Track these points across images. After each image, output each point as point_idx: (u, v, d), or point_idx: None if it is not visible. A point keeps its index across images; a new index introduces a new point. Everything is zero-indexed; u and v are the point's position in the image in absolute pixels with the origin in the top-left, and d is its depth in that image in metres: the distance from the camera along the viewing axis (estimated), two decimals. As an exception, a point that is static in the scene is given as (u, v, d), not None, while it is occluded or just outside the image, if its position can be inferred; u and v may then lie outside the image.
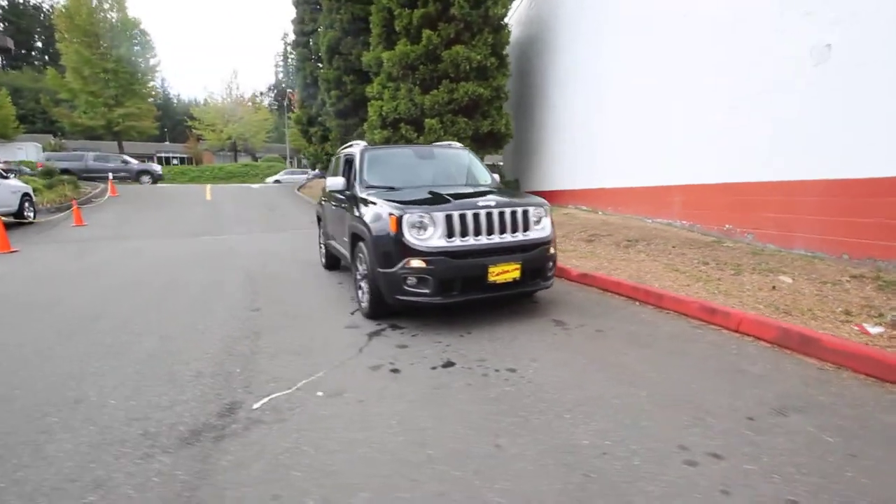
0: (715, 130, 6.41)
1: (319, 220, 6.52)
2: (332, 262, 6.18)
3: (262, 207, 15.69)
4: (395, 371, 2.91)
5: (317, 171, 20.05)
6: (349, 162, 5.30)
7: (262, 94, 56.08)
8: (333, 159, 6.32)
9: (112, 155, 26.21)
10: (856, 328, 3.25)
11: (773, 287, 4.30)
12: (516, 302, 4.37)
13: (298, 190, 22.11)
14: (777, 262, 5.03)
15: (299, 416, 2.36)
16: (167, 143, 49.28)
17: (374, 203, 3.93)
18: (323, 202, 6.06)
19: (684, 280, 4.75)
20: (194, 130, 41.34)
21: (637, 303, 4.34)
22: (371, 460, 1.99)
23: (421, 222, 3.51)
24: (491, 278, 3.58)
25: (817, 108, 4.98)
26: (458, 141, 11.28)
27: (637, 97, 8.27)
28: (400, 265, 3.51)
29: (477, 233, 3.60)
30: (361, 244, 3.98)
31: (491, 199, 3.74)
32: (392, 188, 4.39)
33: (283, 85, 66.07)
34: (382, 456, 2.02)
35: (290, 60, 68.78)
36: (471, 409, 2.41)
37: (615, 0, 9.21)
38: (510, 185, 14.14)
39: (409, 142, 11.79)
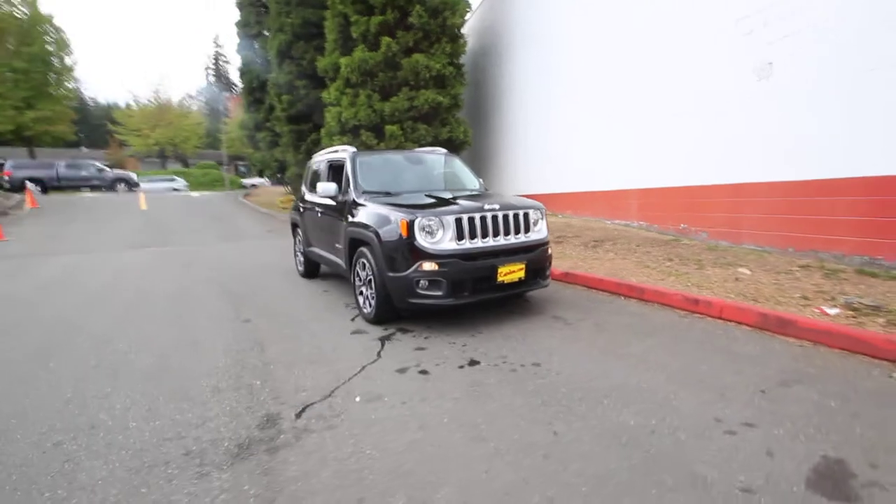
0: (669, 139, 6.99)
1: (295, 227, 6.34)
2: (312, 270, 6.04)
3: (208, 217, 14.86)
4: (423, 373, 2.94)
5: (264, 178, 19.24)
6: (336, 168, 5.25)
7: (192, 97, 52.87)
8: (310, 165, 6.19)
9: (84, 162, 25.64)
10: (816, 311, 3.71)
11: (737, 279, 4.78)
12: (511, 301, 4.52)
13: (243, 198, 21.14)
14: (733, 257, 5.58)
15: (348, 423, 2.33)
16: (83, 149, 45.08)
17: (378, 208, 3.93)
18: (302, 209, 5.91)
19: (656, 275, 5.14)
20: (116, 136, 38.22)
21: (622, 297, 4.65)
22: (440, 457, 2.02)
23: (431, 226, 3.57)
24: (499, 279, 3.71)
25: (761, 119, 5.61)
26: (414, 147, 11.40)
27: (590, 108, 8.81)
28: (412, 269, 3.54)
29: (484, 235, 3.72)
30: (364, 249, 3.95)
31: (495, 203, 3.87)
32: (388, 193, 4.41)
33: (217, 88, 62.92)
34: (449, 452, 2.06)
35: (221, 64, 65.71)
36: (515, 402, 2.50)
37: (565, 14, 9.77)
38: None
39: (369, 148, 11.73)
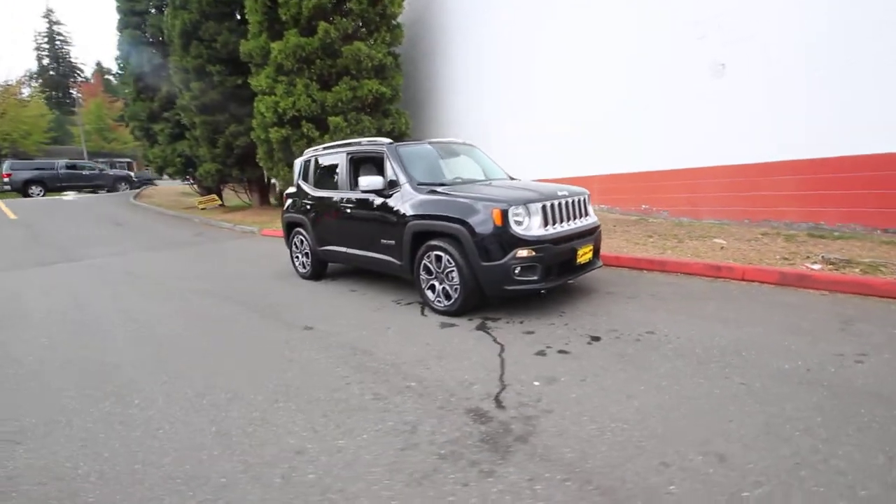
0: (630, 130, 7.82)
1: (294, 227, 5.86)
2: (319, 271, 5.67)
3: (105, 223, 12.72)
4: (562, 352, 3.07)
5: (164, 175, 16.87)
6: (362, 160, 5.01)
7: (27, 84, 43.64)
8: (310, 161, 5.75)
9: (84, 162, 24.89)
10: (804, 267, 4.61)
11: (722, 247, 5.64)
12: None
13: (136, 199, 18.33)
14: (701, 231, 6.53)
15: (557, 404, 2.39)
16: None
17: (453, 199, 3.89)
18: (308, 207, 5.48)
19: (653, 249, 5.82)
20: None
21: (643, 271, 5.21)
22: (678, 416, 2.21)
23: (521, 213, 3.67)
24: (578, 260, 3.95)
25: (716, 111, 6.62)
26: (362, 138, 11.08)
27: (550, 103, 9.42)
28: (508, 257, 3.60)
29: (563, 220, 3.92)
30: (440, 242, 3.88)
31: (563, 189, 4.09)
32: (443, 184, 4.36)
33: (54, 73, 52.78)
34: (681, 410, 2.25)
35: (58, 43, 54.98)
36: (676, 364, 2.76)
37: (505, 7, 10.21)
38: None
39: (311, 141, 11.08)
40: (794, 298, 3.89)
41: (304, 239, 5.68)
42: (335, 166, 5.23)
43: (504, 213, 3.60)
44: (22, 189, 20.60)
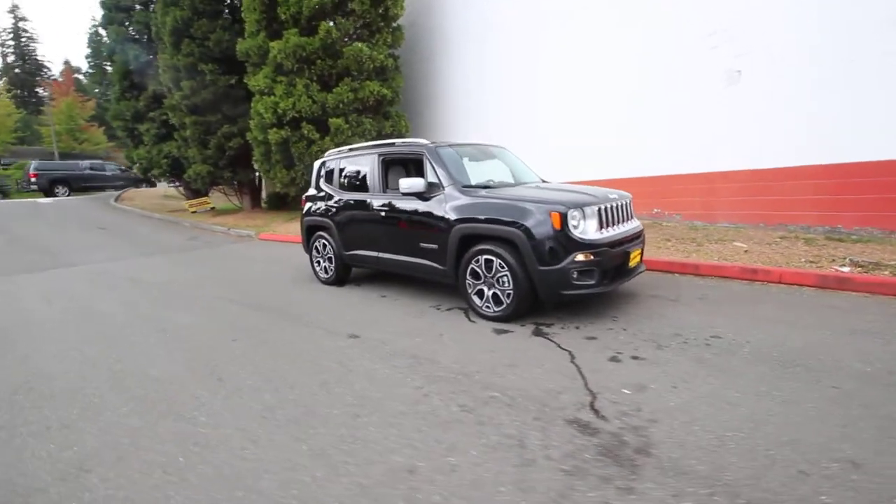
0: (638, 135, 7.89)
1: (315, 230, 5.66)
2: (343, 277, 5.49)
3: (91, 227, 12.12)
4: (637, 358, 3.00)
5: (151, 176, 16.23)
6: (394, 162, 4.89)
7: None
8: (324, 164, 5.59)
9: (106, 163, 25.78)
10: (833, 269, 4.69)
11: (746, 251, 5.72)
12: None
13: (117, 202, 17.58)
14: (719, 234, 6.62)
15: (664, 414, 2.30)
16: None
17: (506, 202, 3.80)
18: (334, 210, 5.29)
19: (677, 253, 5.86)
20: None
21: (676, 274, 5.22)
22: (805, 422, 2.15)
23: (578, 216, 3.60)
24: (630, 264, 3.91)
25: (731, 117, 6.73)
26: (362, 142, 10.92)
27: (548, 105, 9.44)
28: (567, 260, 3.53)
29: (615, 223, 3.88)
30: (491, 246, 3.78)
31: (613, 193, 4.06)
32: (487, 186, 4.27)
33: (19, 71, 50.53)
34: (805, 418, 2.19)
35: (24, 40, 52.59)
36: (759, 370, 2.73)
37: (506, 12, 10.22)
38: None
39: (311, 143, 10.85)
40: (840, 301, 3.94)
41: (327, 243, 5.49)
42: (364, 168, 5.07)
43: (563, 216, 3.53)
44: (48, 189, 21.36)
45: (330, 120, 10.77)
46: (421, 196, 4.33)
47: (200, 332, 3.98)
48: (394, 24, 11.71)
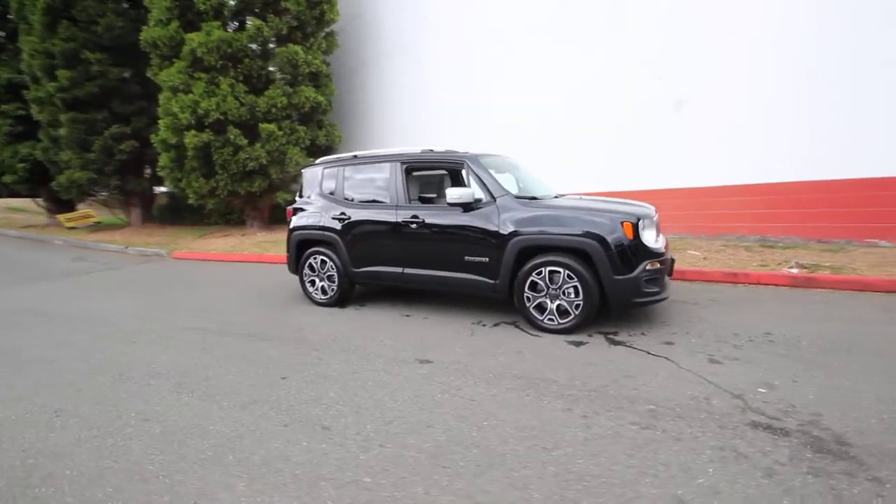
0: (579, 155, 8.56)
1: (309, 246, 5.00)
2: (348, 296, 4.93)
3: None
4: (735, 359, 3.13)
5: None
6: (441, 171, 4.66)
7: None
8: (318, 172, 5.04)
9: None
10: (785, 271, 5.57)
11: (704, 258, 6.51)
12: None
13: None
14: (672, 244, 7.43)
15: (815, 406, 2.43)
16: None
17: (575, 212, 3.77)
18: (340, 222, 4.72)
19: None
20: None
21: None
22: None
23: (644, 227, 3.73)
24: (673, 272, 4.16)
25: (678, 139, 7.67)
26: (296, 152, 10.13)
27: (504, 122, 9.77)
28: (639, 269, 3.61)
29: (659, 233, 4.10)
30: (557, 257, 3.71)
31: (649, 205, 4.28)
32: (534, 198, 4.19)
33: None
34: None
35: None
36: (867, 363, 3.08)
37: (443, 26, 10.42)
38: None
39: (238, 149, 9.68)
40: (818, 296, 4.67)
41: (327, 260, 4.87)
42: (380, 177, 4.64)
43: (635, 226, 3.62)
44: None
45: (261, 125, 9.75)
46: (467, 207, 4.09)
47: (224, 373, 3.20)
48: (328, 30, 11.11)
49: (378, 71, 12.25)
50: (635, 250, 3.62)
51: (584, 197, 4.75)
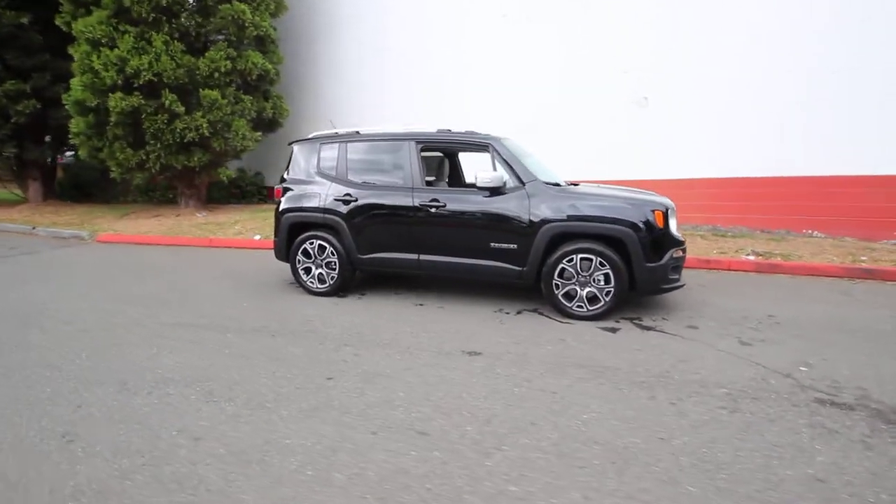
0: (564, 149, 8.75)
1: (304, 230, 4.53)
2: (349, 284, 4.57)
3: None
4: (762, 341, 3.37)
5: None
6: (453, 152, 4.38)
7: None
8: (315, 148, 4.60)
9: None
10: (744, 257, 6.17)
11: (670, 245, 6.98)
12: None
13: None
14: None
15: (857, 381, 2.69)
16: None
17: (606, 199, 3.80)
18: (345, 204, 4.31)
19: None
20: None
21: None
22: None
23: (672, 215, 3.85)
24: (682, 259, 4.37)
25: (643, 134, 8.08)
26: (243, 124, 9.23)
27: (471, 106, 9.63)
28: (667, 257, 3.73)
29: (673, 221, 4.27)
30: (590, 244, 3.71)
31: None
32: (557, 183, 4.14)
33: None
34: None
35: None
36: (844, 337, 3.44)
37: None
38: (257, 178, 12.59)
39: (174, 116, 8.55)
40: (786, 281, 5.22)
41: (326, 245, 4.45)
42: (391, 157, 4.31)
43: (665, 215, 3.74)
44: None
45: (202, 91, 8.66)
46: (494, 191, 3.94)
47: (253, 376, 2.79)
48: (278, -10, 10.09)
49: (331, 40, 11.42)
50: (664, 238, 3.74)
51: (600, 185, 4.82)
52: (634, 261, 3.69)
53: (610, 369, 2.92)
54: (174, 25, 8.45)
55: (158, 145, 8.56)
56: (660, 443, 2.11)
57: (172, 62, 8.27)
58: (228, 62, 8.88)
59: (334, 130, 4.67)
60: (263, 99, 10.10)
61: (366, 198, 4.31)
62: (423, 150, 4.29)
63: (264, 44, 9.87)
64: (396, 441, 2.10)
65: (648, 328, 3.66)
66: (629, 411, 2.40)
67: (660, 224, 3.71)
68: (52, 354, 3.10)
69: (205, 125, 8.69)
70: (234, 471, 1.89)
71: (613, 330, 3.64)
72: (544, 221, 3.82)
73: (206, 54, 8.67)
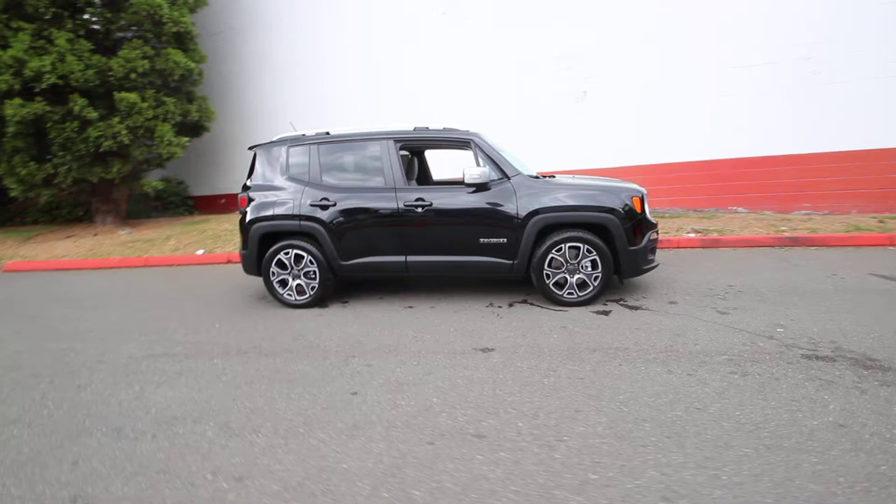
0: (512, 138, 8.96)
1: (276, 238, 4.24)
2: (327, 294, 4.37)
3: None
4: (734, 309, 3.73)
5: None
6: (417, 153, 4.26)
7: None
8: (271, 151, 4.44)
9: None
10: (685, 235, 6.76)
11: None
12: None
13: None
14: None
15: (831, 335, 3.04)
16: None
17: (586, 190, 3.95)
18: (320, 210, 4.09)
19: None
20: None
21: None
22: None
23: (645, 200, 4.10)
24: (650, 240, 4.67)
25: (581, 127, 8.50)
26: (167, 129, 8.49)
27: (416, 103, 9.55)
28: (646, 239, 3.97)
29: (642, 206, 4.55)
30: (577, 233, 3.85)
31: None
32: (535, 176, 4.24)
33: None
34: None
35: None
36: (804, 300, 3.89)
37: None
38: (181, 188, 11.79)
39: (86, 124, 7.63)
40: (731, 254, 5.79)
41: (304, 254, 4.21)
42: (370, 157, 4.16)
43: (642, 200, 3.97)
44: None
45: (119, 94, 7.79)
46: (482, 187, 3.95)
47: (270, 402, 2.57)
48: (195, -17, 9.29)
49: (260, 36, 10.75)
50: (643, 223, 3.98)
51: (575, 175, 4.99)
52: (619, 246, 3.89)
53: (621, 350, 3.06)
54: (78, 22, 7.47)
55: (69, 157, 7.55)
56: (699, 412, 2.25)
57: (80, 63, 7.32)
58: (146, 62, 8.03)
59: (301, 133, 4.40)
60: (187, 101, 9.28)
61: (345, 201, 4.13)
62: (402, 148, 4.19)
63: (184, 41, 9.05)
64: (457, 448, 2.05)
65: (635, 308, 3.89)
66: (656, 387, 2.53)
67: (638, 209, 3.95)
68: (9, 409, 2.63)
69: (123, 132, 7.81)
70: (303, 507, 1.73)
71: (606, 313, 3.81)
72: (532, 214, 3.90)
73: (120, 53, 7.77)
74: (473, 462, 1.94)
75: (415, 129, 4.22)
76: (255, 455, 2.07)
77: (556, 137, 8.69)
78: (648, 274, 4.75)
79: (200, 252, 7.27)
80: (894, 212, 6.84)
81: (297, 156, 4.28)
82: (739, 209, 7.82)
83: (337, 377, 2.87)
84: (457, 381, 2.74)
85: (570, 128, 8.63)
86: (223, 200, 12.32)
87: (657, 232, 4.20)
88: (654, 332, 3.34)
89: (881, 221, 6.40)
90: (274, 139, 4.45)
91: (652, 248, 4.12)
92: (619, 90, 8.33)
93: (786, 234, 6.10)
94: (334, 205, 4.13)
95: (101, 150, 7.77)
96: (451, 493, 1.76)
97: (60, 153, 7.49)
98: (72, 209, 10.39)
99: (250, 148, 4.56)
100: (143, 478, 1.95)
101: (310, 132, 4.39)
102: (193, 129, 9.92)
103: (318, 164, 4.23)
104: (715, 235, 6.45)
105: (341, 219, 4.13)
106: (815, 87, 7.23)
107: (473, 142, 4.07)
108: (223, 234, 8.13)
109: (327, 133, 4.33)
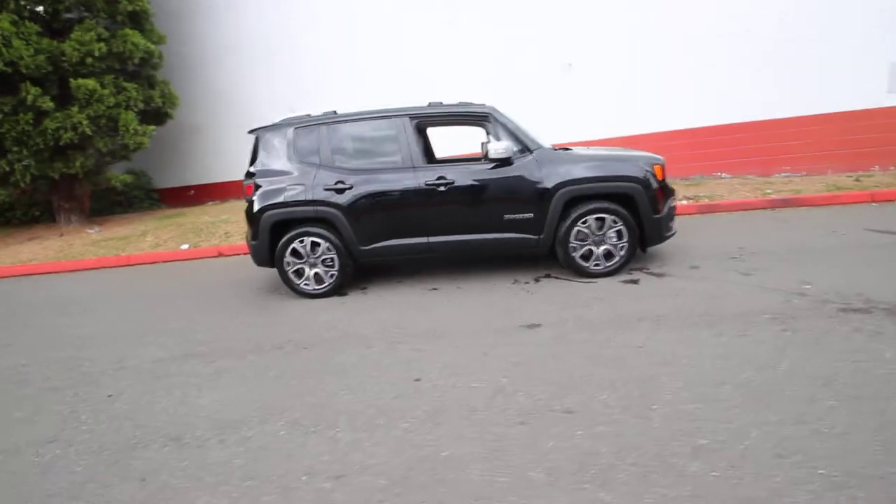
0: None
1: (289, 226, 4.02)
2: (347, 281, 4.20)
3: None
4: (756, 269, 3.83)
5: None
6: (455, 125, 4.16)
7: None
8: (276, 134, 4.19)
9: None
10: (678, 202, 6.93)
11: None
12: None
13: None
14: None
15: (858, 288, 3.17)
16: None
17: (608, 161, 3.94)
18: (335, 194, 3.89)
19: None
20: None
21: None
22: None
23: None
24: (662, 208, 4.73)
25: (567, 98, 8.48)
26: (132, 117, 7.91)
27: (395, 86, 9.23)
28: (667, 207, 4.01)
29: (654, 175, 4.58)
30: (603, 204, 3.84)
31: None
32: (553, 148, 4.18)
33: None
34: None
35: None
36: (815, 257, 4.05)
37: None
38: (143, 181, 11.17)
39: (42, 115, 6.99)
40: (730, 217, 5.97)
41: (321, 241, 4.01)
42: (384, 136, 3.97)
43: (663, 168, 3.99)
44: None
45: (76, 81, 7.14)
46: (505, 162, 3.85)
47: (331, 397, 2.45)
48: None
49: (223, 14, 10.06)
50: (664, 190, 4.01)
51: (589, 147, 4.95)
52: (643, 214, 3.90)
53: (664, 317, 3.09)
54: (21, 2, 6.72)
55: (25, 152, 6.88)
56: (772, 371, 2.30)
57: (28, 47, 6.62)
58: (102, 44, 7.36)
59: (306, 114, 4.15)
60: (148, 86, 8.62)
61: (363, 183, 3.94)
62: (418, 126, 4.02)
63: (140, 21, 8.34)
64: (553, 426, 2.01)
65: (662, 275, 3.94)
66: (718, 349, 2.57)
67: (659, 177, 3.96)
68: (41, 428, 2.39)
69: (84, 122, 7.18)
70: (421, 499, 1.65)
71: (635, 282, 3.85)
72: (559, 186, 3.85)
73: (72, 36, 7.08)
74: (576, 438, 1.91)
75: (429, 105, 4.05)
76: (344, 451, 1.96)
77: (541, 109, 8.63)
78: (662, 243, 4.86)
79: (185, 247, 6.86)
80: (867, 170, 7.24)
81: (305, 138, 4.04)
82: (723, 175, 8.07)
83: (391, 365, 2.76)
84: (516, 359, 2.69)
85: (556, 99, 8.59)
86: (192, 192, 11.66)
87: (675, 199, 4.25)
88: (690, 297, 3.40)
89: (857, 180, 6.75)
90: (278, 122, 4.17)
91: (672, 215, 4.17)
92: (606, 63, 8.33)
93: (775, 197, 6.35)
94: (351, 187, 3.94)
95: (61, 143, 7.12)
96: (569, 471, 1.72)
97: (15, 148, 6.81)
98: (27, 209, 9.56)
99: (251, 131, 4.26)
100: (230, 487, 1.81)
101: (315, 114, 4.14)
102: (156, 116, 9.25)
103: (328, 146, 4.01)
104: (706, 201, 6.64)
105: (359, 202, 3.95)
106: (794, 54, 7.45)
107: (493, 116, 3.95)
108: (205, 226, 7.69)
109: (335, 112, 4.09)
